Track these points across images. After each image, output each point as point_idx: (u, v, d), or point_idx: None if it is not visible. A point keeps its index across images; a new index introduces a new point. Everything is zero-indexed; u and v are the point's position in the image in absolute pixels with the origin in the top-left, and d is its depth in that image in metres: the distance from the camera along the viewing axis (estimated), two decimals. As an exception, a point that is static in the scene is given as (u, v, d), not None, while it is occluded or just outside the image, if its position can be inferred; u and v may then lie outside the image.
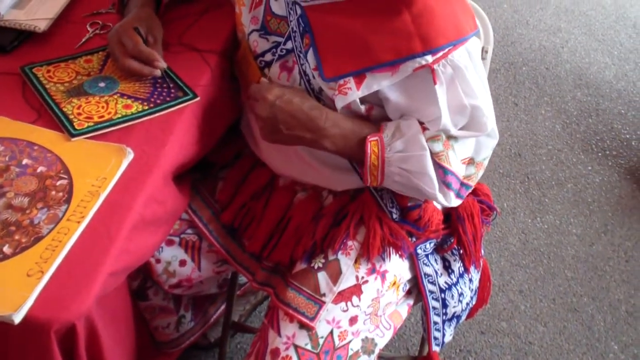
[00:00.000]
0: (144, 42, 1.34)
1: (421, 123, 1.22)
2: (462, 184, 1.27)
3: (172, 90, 1.33)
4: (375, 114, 1.27)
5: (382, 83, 1.18)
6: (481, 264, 1.52)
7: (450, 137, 1.22)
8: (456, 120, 1.21)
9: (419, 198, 1.35)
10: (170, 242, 1.43)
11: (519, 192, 2.67)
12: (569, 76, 3.36)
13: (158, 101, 1.30)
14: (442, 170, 1.22)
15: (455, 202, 1.28)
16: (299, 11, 1.22)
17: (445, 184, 1.24)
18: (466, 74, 1.18)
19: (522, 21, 3.76)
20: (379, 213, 1.35)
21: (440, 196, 1.25)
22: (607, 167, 2.85)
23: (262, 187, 1.45)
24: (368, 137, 1.22)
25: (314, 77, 1.24)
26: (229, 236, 1.47)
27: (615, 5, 3.98)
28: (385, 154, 1.21)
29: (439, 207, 1.42)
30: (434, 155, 1.21)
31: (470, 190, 1.31)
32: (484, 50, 1.51)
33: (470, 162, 1.28)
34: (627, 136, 3.02)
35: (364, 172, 1.24)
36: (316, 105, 1.25)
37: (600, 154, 2.91)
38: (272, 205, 1.42)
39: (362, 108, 1.24)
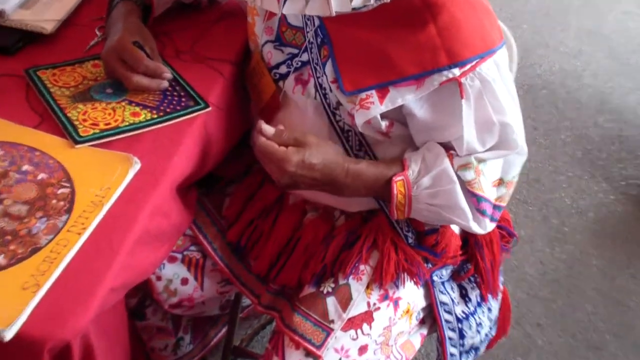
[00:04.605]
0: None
1: (447, 148, 1.20)
2: (495, 207, 1.25)
3: (183, 99, 1.30)
4: (395, 132, 1.24)
5: (407, 97, 1.15)
6: (500, 293, 1.50)
7: (479, 160, 1.20)
8: (484, 139, 1.18)
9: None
10: (172, 259, 1.40)
11: (536, 220, 2.63)
12: (590, 101, 3.32)
13: (168, 110, 1.27)
14: (475, 199, 1.20)
15: (490, 227, 1.26)
16: (317, 22, 1.20)
17: (479, 212, 1.21)
18: (495, 87, 1.15)
19: (542, 43, 3.74)
20: (394, 237, 1.32)
21: (474, 225, 1.23)
22: (630, 196, 2.80)
23: (270, 205, 1.42)
24: (393, 177, 1.20)
25: (330, 91, 1.22)
26: (235, 255, 1.44)
27: (640, 28, 3.95)
28: (412, 192, 1.20)
29: (456, 231, 1.39)
30: (466, 184, 1.19)
31: (502, 211, 1.29)
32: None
33: (500, 182, 1.25)
34: (651, 165, 2.98)
35: (390, 209, 1.23)
36: (336, 161, 1.21)
37: (623, 183, 2.86)
38: (280, 224, 1.39)
39: (383, 125, 1.21)
